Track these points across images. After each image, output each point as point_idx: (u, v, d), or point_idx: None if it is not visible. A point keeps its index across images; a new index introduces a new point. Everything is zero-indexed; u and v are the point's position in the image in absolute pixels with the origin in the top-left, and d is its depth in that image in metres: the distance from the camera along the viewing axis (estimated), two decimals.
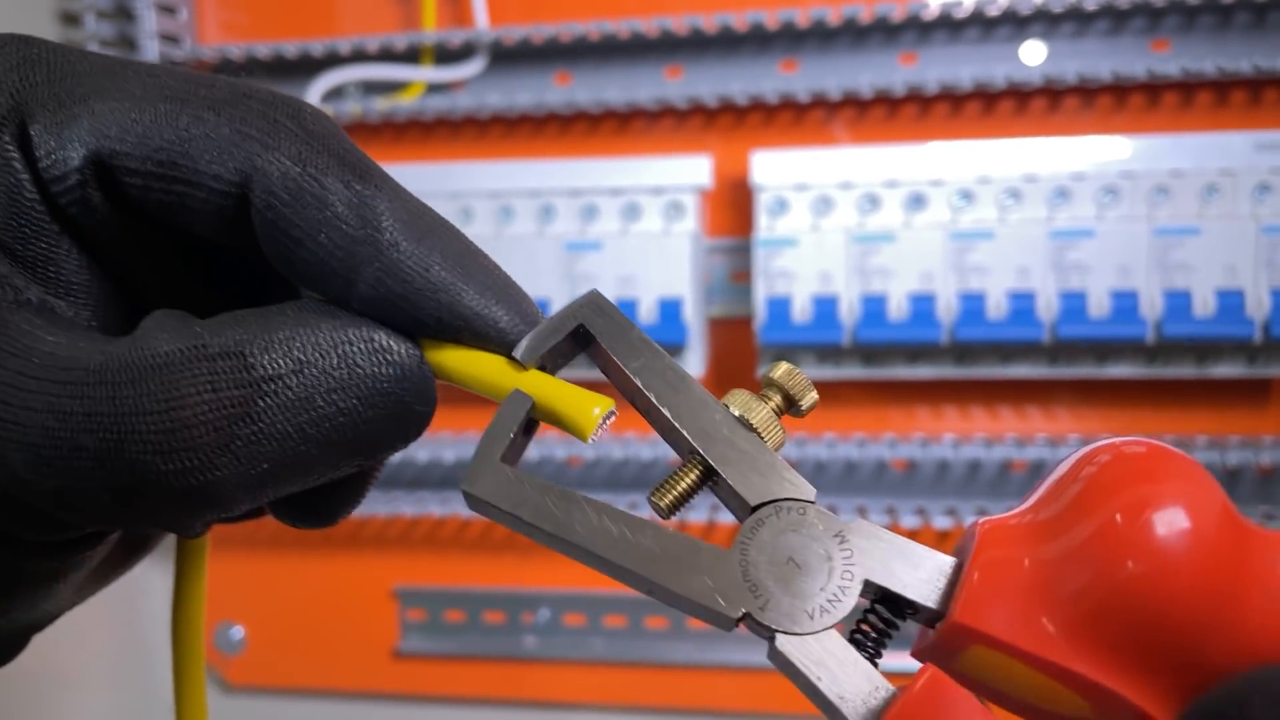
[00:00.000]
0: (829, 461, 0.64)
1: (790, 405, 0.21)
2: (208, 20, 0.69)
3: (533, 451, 0.65)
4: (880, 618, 0.20)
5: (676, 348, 0.61)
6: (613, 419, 0.21)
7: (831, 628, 0.19)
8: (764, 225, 0.60)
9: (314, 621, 0.72)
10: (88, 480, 0.18)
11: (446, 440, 0.66)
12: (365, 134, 0.68)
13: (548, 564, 0.68)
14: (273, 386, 0.19)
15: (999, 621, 0.18)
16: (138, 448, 0.18)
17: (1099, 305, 0.57)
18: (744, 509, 0.20)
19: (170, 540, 0.26)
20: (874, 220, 0.59)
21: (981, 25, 0.61)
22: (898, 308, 0.59)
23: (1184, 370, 0.58)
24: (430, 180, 0.63)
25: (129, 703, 0.71)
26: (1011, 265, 0.58)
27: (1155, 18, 0.59)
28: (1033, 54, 0.61)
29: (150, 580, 0.70)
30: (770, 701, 0.66)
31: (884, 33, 0.62)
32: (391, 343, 0.20)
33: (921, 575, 0.19)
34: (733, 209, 0.64)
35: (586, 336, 0.21)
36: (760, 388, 0.21)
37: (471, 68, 0.65)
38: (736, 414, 0.21)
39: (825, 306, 0.59)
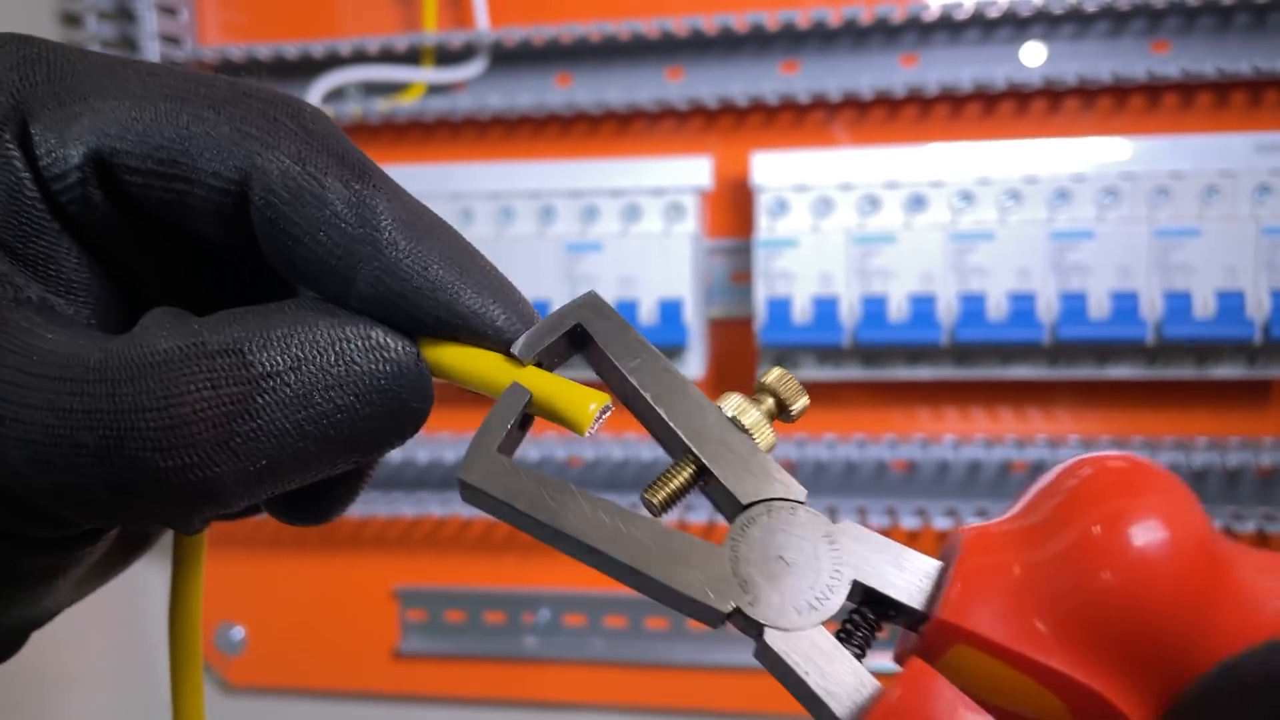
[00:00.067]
0: (829, 462, 0.64)
1: (782, 410, 0.21)
2: (208, 21, 0.69)
3: (533, 451, 0.65)
4: (865, 618, 0.20)
5: (677, 348, 0.61)
6: (608, 414, 0.21)
7: (819, 624, 0.19)
8: (764, 226, 0.60)
9: (314, 622, 0.72)
10: (87, 477, 0.18)
11: (446, 441, 0.66)
12: (366, 135, 0.68)
13: (548, 564, 0.68)
14: (271, 383, 0.19)
15: (982, 621, 0.18)
16: (137, 444, 0.18)
17: (1099, 306, 0.57)
18: (735, 508, 0.20)
19: (168, 538, 0.26)
20: (874, 221, 0.59)
21: (982, 27, 0.61)
22: (898, 309, 0.59)
23: (1184, 371, 0.58)
24: (431, 181, 0.64)
25: (127, 701, 0.71)
26: (1012, 266, 0.58)
27: (1155, 19, 0.59)
28: (1033, 55, 0.61)
29: (148, 579, 0.70)
30: (770, 702, 0.66)
31: (884, 34, 0.62)
32: (389, 340, 0.20)
33: (908, 577, 0.20)
34: (733, 210, 0.64)
35: (583, 337, 0.21)
36: (753, 390, 0.22)
37: (472, 69, 0.65)
38: (730, 416, 0.21)
39: (825, 307, 0.59)
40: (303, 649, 0.73)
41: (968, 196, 0.59)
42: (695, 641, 0.67)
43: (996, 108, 0.62)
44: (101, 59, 0.21)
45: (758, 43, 0.63)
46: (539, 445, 0.65)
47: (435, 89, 0.66)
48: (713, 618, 0.19)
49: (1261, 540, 0.58)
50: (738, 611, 0.19)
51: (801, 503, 0.20)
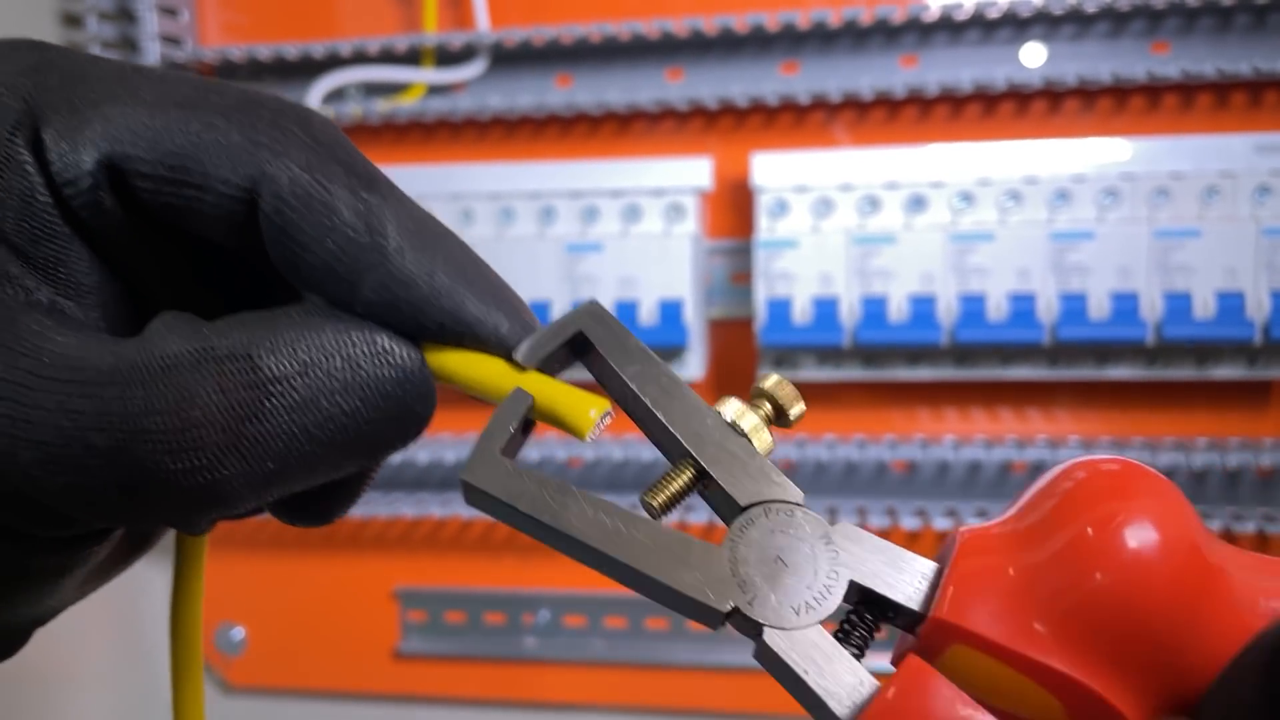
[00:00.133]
0: (829, 463, 0.64)
1: (779, 415, 0.22)
2: (209, 22, 0.69)
3: (533, 452, 0.65)
4: (863, 618, 0.20)
5: (677, 349, 0.61)
6: (609, 419, 0.21)
7: (817, 624, 0.19)
8: (764, 227, 0.60)
9: (315, 622, 0.72)
10: (97, 478, 0.18)
11: (447, 442, 0.66)
12: (366, 135, 0.68)
13: (548, 565, 0.68)
14: (279, 388, 0.19)
15: (979, 619, 0.19)
16: (147, 447, 0.18)
17: (1099, 307, 0.57)
18: (734, 510, 0.21)
19: (169, 537, 0.26)
20: (874, 222, 0.59)
21: (982, 27, 0.61)
22: (898, 309, 0.59)
23: (1184, 372, 0.58)
24: (431, 182, 0.64)
25: (127, 701, 0.72)
26: (1012, 267, 0.58)
27: (1155, 20, 0.59)
28: (1033, 56, 0.61)
29: (149, 578, 0.71)
30: (770, 702, 0.66)
31: (884, 35, 0.62)
32: (394, 346, 0.20)
33: (905, 578, 0.20)
34: (733, 211, 0.64)
35: (584, 344, 0.22)
36: (750, 396, 0.22)
37: (472, 69, 0.65)
38: (728, 420, 0.21)
39: (826, 308, 0.59)
40: (303, 649, 0.73)
41: (968, 197, 0.59)
42: (695, 642, 0.67)
43: (997, 108, 0.62)
44: (114, 65, 0.21)
45: (758, 43, 0.63)
46: (539, 446, 0.65)
47: (436, 89, 0.66)
48: (712, 618, 0.19)
49: (1262, 541, 0.58)
50: (736, 611, 0.19)
51: (799, 505, 0.20)
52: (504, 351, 0.21)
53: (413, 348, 0.20)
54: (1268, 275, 0.56)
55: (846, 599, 0.20)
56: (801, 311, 0.59)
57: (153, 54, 0.65)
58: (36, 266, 0.20)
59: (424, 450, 0.66)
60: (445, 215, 0.63)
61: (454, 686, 0.70)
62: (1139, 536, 0.18)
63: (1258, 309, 0.56)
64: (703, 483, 0.21)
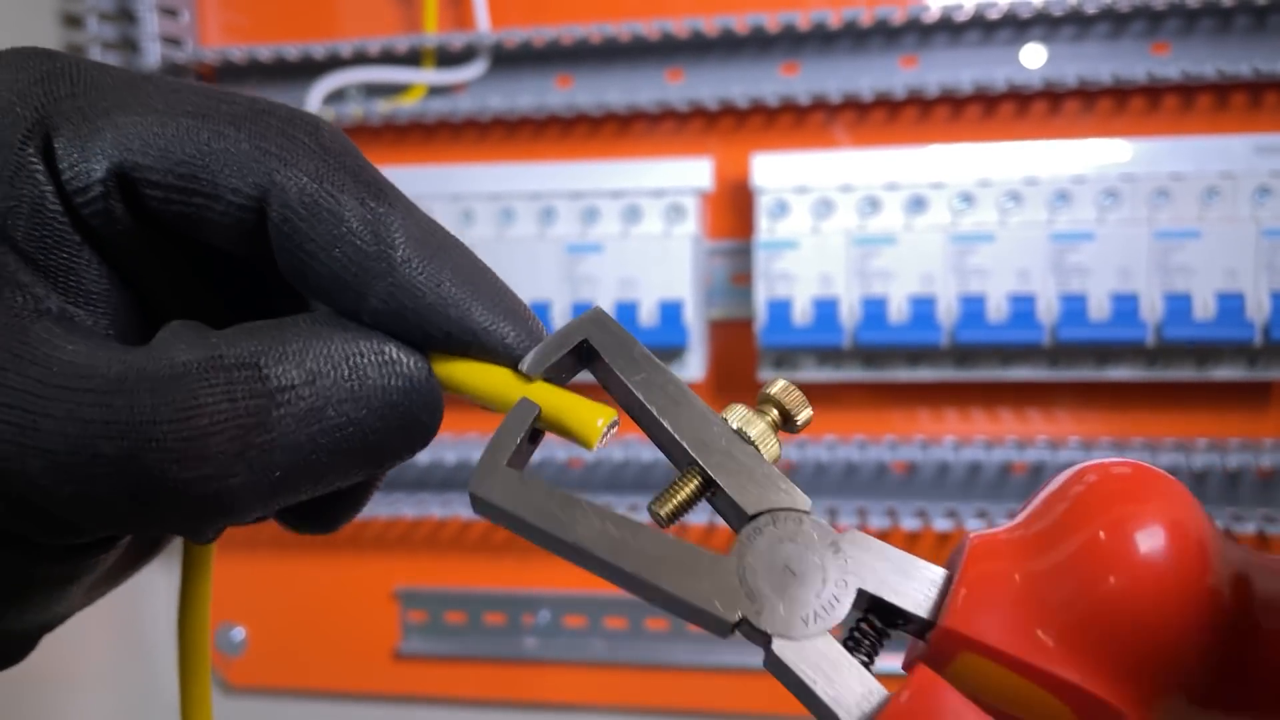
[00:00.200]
0: (829, 464, 0.64)
1: (786, 421, 0.22)
2: (209, 23, 0.69)
3: (534, 453, 0.65)
4: (873, 626, 0.20)
5: (677, 350, 0.61)
6: (616, 429, 0.21)
7: (826, 633, 0.19)
8: (764, 228, 0.60)
9: (315, 622, 0.72)
10: (105, 487, 0.18)
11: (447, 442, 0.66)
12: (367, 136, 0.68)
13: (548, 566, 0.68)
14: (287, 397, 0.19)
15: (988, 629, 0.19)
16: (155, 455, 0.18)
17: (1099, 308, 0.57)
18: (741, 518, 0.21)
19: (176, 542, 0.26)
20: (874, 223, 0.59)
21: (982, 28, 0.61)
22: (898, 310, 0.59)
23: (1184, 373, 0.58)
24: (431, 182, 0.64)
25: (131, 703, 0.72)
26: (1012, 268, 0.58)
27: (1155, 21, 0.59)
28: (1033, 57, 0.61)
29: (153, 581, 0.71)
30: (769, 703, 0.66)
31: (885, 35, 0.62)
32: (401, 355, 0.20)
33: (914, 585, 0.20)
34: (733, 211, 0.64)
35: (590, 352, 0.22)
36: (757, 402, 0.22)
37: (473, 70, 0.65)
38: (735, 427, 0.21)
39: (826, 309, 0.59)
40: (303, 650, 0.73)
41: (968, 198, 0.59)
42: (695, 643, 0.67)
43: (997, 109, 0.62)
44: (124, 74, 0.21)
45: (758, 44, 0.63)
46: (540, 447, 0.65)
47: (436, 90, 0.66)
48: (721, 628, 0.20)
49: (1262, 541, 0.58)
50: (745, 621, 0.19)
51: (807, 512, 0.20)
52: (510, 361, 0.21)
53: (420, 357, 0.21)
54: (1268, 276, 0.56)
55: (855, 606, 0.20)
56: (802, 312, 0.59)
57: (153, 55, 0.65)
58: (46, 274, 0.20)
59: (425, 451, 0.66)
60: (446, 216, 0.63)
61: (454, 687, 0.71)
62: (1153, 540, 0.18)
63: (1258, 310, 0.56)
64: (710, 491, 0.21)
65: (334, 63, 0.65)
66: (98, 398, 0.18)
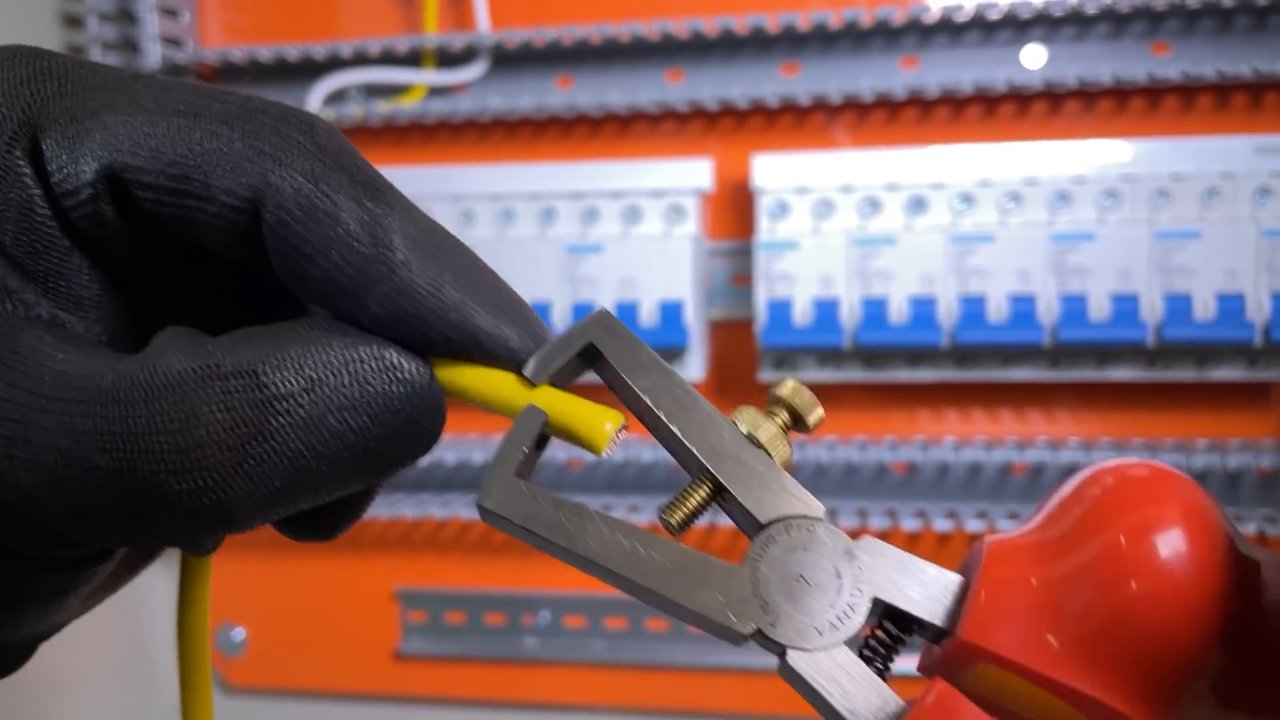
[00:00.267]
0: (830, 464, 0.64)
1: (797, 422, 0.21)
2: (210, 23, 0.68)
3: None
4: (888, 634, 0.20)
5: (677, 350, 0.61)
6: (624, 433, 0.21)
7: (841, 643, 0.19)
8: (765, 228, 0.60)
9: (315, 623, 0.72)
10: (100, 499, 0.18)
11: (448, 443, 0.66)
12: (367, 137, 0.68)
13: (548, 566, 0.68)
14: (285, 405, 0.19)
15: (1005, 640, 0.18)
16: (151, 467, 0.18)
17: (1099, 308, 0.57)
18: (754, 526, 0.20)
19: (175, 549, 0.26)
20: (875, 223, 0.59)
21: (982, 29, 0.61)
22: (898, 311, 0.59)
23: (1184, 374, 0.58)
24: (432, 183, 0.64)
25: (131, 705, 0.71)
26: (1012, 268, 0.58)
27: (1156, 21, 0.59)
28: (1033, 57, 0.61)
29: (152, 583, 0.70)
30: (770, 703, 0.66)
31: (885, 36, 0.62)
32: (402, 360, 0.20)
33: (929, 593, 0.20)
34: (734, 212, 0.64)
35: (595, 354, 0.21)
36: (766, 403, 0.22)
37: (473, 71, 0.65)
38: (744, 431, 0.21)
39: (826, 309, 0.59)
40: (303, 650, 0.73)
41: (968, 198, 0.59)
42: (695, 643, 0.67)
43: (997, 110, 0.62)
44: (114, 73, 0.20)
45: (758, 45, 0.63)
46: None
47: (436, 91, 0.66)
48: (735, 639, 0.19)
49: (1262, 542, 0.58)
50: (759, 633, 0.19)
51: (820, 519, 0.20)
52: (514, 365, 0.21)
53: (421, 362, 0.20)
54: (1268, 277, 0.56)
55: (871, 614, 0.20)
56: (802, 313, 0.59)
57: (153, 55, 0.64)
58: (36, 280, 0.19)
59: None
60: (446, 217, 0.63)
61: (454, 687, 0.70)
62: (1174, 543, 0.18)
63: (1258, 310, 0.56)
64: (721, 498, 0.21)
65: (334, 63, 0.65)
66: (91, 409, 0.18)
